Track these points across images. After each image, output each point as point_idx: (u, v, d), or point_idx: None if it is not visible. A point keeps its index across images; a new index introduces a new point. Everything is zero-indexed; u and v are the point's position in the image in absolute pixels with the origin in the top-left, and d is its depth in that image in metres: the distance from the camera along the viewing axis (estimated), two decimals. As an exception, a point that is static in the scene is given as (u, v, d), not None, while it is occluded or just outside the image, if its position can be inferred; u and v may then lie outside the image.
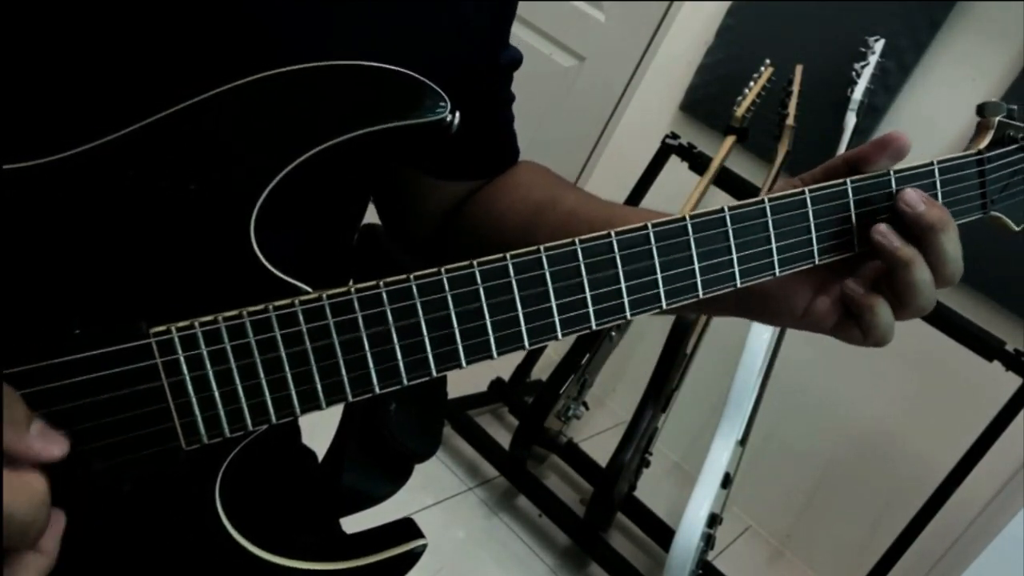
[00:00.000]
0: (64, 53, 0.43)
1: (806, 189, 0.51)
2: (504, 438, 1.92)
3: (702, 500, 1.57)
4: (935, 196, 0.54)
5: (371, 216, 0.68)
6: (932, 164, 0.54)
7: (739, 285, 0.50)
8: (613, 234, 0.46)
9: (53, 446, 0.36)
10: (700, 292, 0.49)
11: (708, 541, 1.63)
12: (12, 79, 0.43)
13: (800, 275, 0.52)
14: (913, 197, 0.50)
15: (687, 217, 0.48)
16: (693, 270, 0.48)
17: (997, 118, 0.57)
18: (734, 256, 0.49)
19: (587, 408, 2.02)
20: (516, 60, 0.66)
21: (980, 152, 0.56)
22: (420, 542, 0.50)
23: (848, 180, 0.51)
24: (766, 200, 0.50)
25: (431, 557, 0.51)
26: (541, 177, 0.68)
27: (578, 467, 1.96)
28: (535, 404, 1.85)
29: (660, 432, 1.88)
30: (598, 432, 2.23)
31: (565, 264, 0.45)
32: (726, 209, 0.49)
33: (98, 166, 0.40)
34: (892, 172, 0.53)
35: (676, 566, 1.55)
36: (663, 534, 1.85)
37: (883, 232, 0.50)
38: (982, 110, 0.57)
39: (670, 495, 2.06)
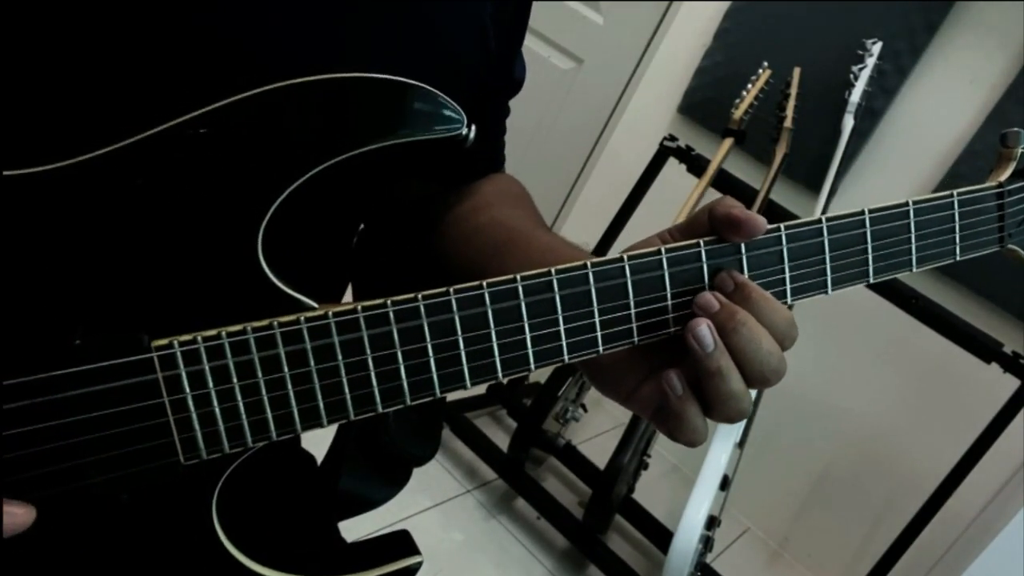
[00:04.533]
0: (66, 62, 0.43)
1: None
2: (502, 440, 1.92)
3: (700, 502, 1.57)
4: (952, 228, 0.52)
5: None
6: (952, 196, 0.52)
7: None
8: (626, 258, 0.45)
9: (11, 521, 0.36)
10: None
11: (706, 543, 1.63)
12: (17, 86, 0.42)
13: (631, 355, 0.48)
14: (707, 300, 0.45)
15: (701, 243, 0.46)
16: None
17: (1020, 149, 0.54)
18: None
19: (585, 410, 2.02)
20: (522, 79, 0.66)
21: (1000, 184, 0.54)
22: (416, 559, 0.50)
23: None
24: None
25: (429, 560, 0.51)
26: (501, 186, 0.67)
27: (576, 469, 1.96)
28: (533, 406, 1.85)
29: (658, 434, 1.88)
30: (596, 434, 2.23)
31: (575, 288, 0.44)
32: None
33: (104, 175, 0.40)
34: (911, 202, 0.50)
35: (674, 568, 1.55)
36: (661, 536, 1.85)
37: (697, 334, 0.44)
38: (1004, 139, 0.55)
39: (668, 497, 2.06)
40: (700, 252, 0.46)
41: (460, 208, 0.64)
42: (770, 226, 0.47)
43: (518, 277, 0.43)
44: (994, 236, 0.55)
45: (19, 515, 0.37)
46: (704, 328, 0.44)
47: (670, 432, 0.46)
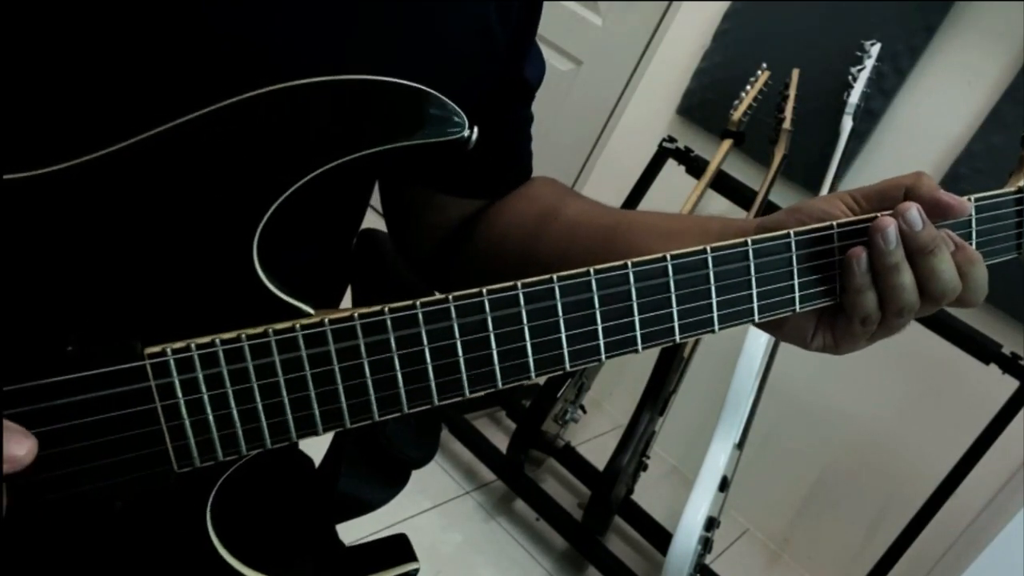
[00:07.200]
0: (65, 65, 0.42)
1: (834, 224, 0.49)
2: (501, 442, 1.92)
3: (700, 503, 1.57)
4: (970, 234, 0.52)
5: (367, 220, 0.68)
6: (969, 200, 0.51)
7: (757, 320, 0.49)
8: (630, 264, 0.44)
9: (14, 451, 0.34)
10: (716, 327, 0.48)
11: (706, 544, 1.63)
12: (15, 89, 0.42)
13: (804, 314, 0.51)
14: (915, 216, 0.48)
15: (708, 248, 0.46)
16: (711, 304, 0.47)
17: None
18: (754, 291, 0.48)
19: (584, 411, 2.02)
20: (538, 79, 0.65)
21: (1020, 190, 0.53)
22: (413, 565, 0.50)
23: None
24: (792, 234, 0.48)
25: (428, 560, 0.51)
26: (546, 188, 0.68)
27: (575, 471, 1.96)
28: (532, 408, 1.85)
29: (658, 435, 1.88)
30: (596, 436, 2.23)
31: (578, 295, 0.44)
32: (749, 242, 0.47)
33: (97, 179, 0.40)
34: None
35: (674, 570, 1.55)
36: (661, 537, 1.85)
37: (885, 233, 0.48)
38: None
39: (668, 498, 2.06)
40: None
41: (493, 232, 0.64)
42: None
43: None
44: (1011, 243, 0.54)
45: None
46: (892, 228, 0.48)
47: (851, 307, 0.50)
